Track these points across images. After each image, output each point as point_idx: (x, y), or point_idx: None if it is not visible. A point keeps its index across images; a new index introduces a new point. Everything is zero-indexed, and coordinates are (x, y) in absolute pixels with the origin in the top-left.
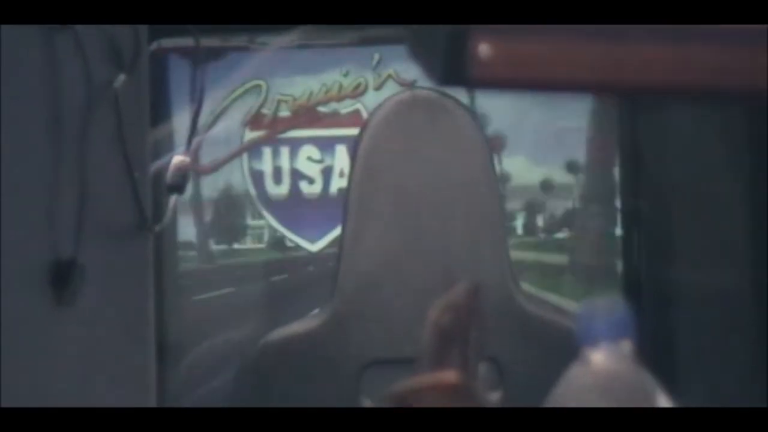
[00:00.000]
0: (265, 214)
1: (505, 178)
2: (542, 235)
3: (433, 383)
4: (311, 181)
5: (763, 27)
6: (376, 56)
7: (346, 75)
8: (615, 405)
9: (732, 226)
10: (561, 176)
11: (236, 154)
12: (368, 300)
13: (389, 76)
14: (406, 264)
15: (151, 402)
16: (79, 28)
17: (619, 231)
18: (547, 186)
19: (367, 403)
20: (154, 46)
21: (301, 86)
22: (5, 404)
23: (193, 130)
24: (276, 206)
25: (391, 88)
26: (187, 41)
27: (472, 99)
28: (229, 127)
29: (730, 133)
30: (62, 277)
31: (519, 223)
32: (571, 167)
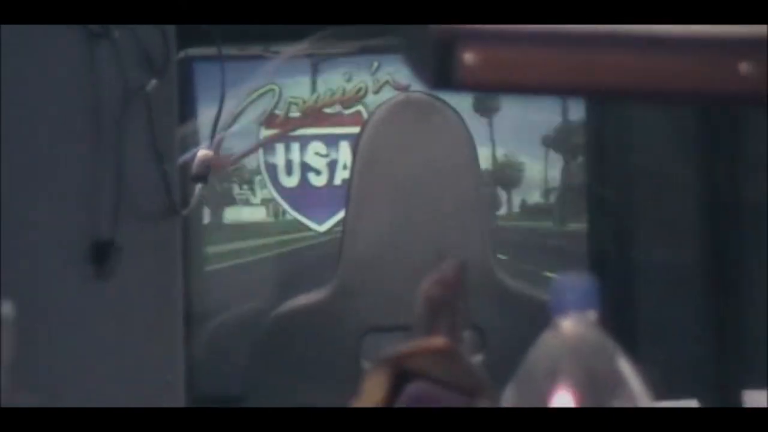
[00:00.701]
0: (279, 200)
1: (485, 167)
2: (520, 218)
3: (425, 347)
4: (318, 172)
5: (715, 35)
6: (375, 64)
7: (348, 80)
8: (581, 366)
9: (684, 211)
10: (537, 165)
11: (253, 150)
12: (367, 275)
13: (386, 82)
14: (401, 243)
15: (179, 365)
16: (117, 37)
17: (587, 215)
18: (523, 174)
19: (366, 365)
20: (182, 54)
21: (309, 90)
22: (50, 370)
23: (215, 127)
24: (288, 194)
25: (388, 92)
26: (210, 50)
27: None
28: (246, 125)
29: (683, 131)
30: (101, 255)
31: (500, 208)
32: (546, 158)
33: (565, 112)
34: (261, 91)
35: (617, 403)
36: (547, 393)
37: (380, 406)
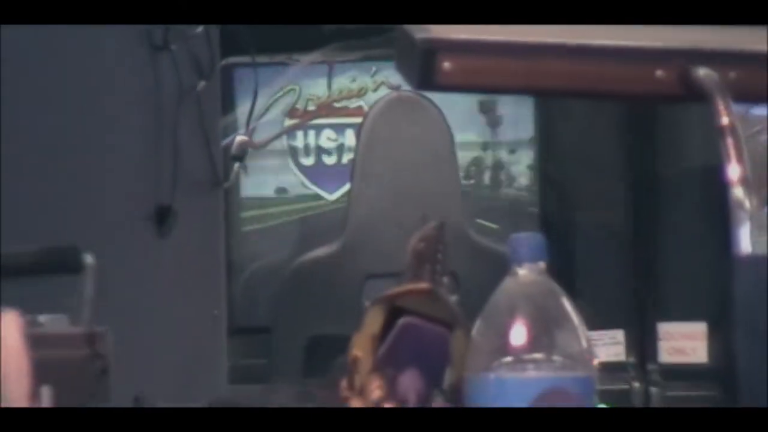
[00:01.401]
0: (299, 175)
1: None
2: (487, 192)
3: (412, 289)
4: (329, 153)
5: (636, 47)
6: (374, 69)
7: (353, 81)
8: (534, 305)
9: (612, 182)
10: (501, 153)
11: (279, 135)
12: (367, 234)
13: (382, 83)
14: (393, 209)
15: (223, 303)
16: (175, 49)
17: (537, 190)
18: (490, 158)
19: (366, 303)
20: (224, 62)
21: (322, 89)
22: (120, 307)
23: (250, 118)
24: (305, 170)
25: (383, 91)
26: (245, 59)
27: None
28: (273, 116)
29: (612, 121)
30: (162, 217)
31: (470, 183)
32: (508, 147)
33: (519, 110)
34: (285, 90)
35: (559, 334)
36: (507, 325)
37: (377, 334)
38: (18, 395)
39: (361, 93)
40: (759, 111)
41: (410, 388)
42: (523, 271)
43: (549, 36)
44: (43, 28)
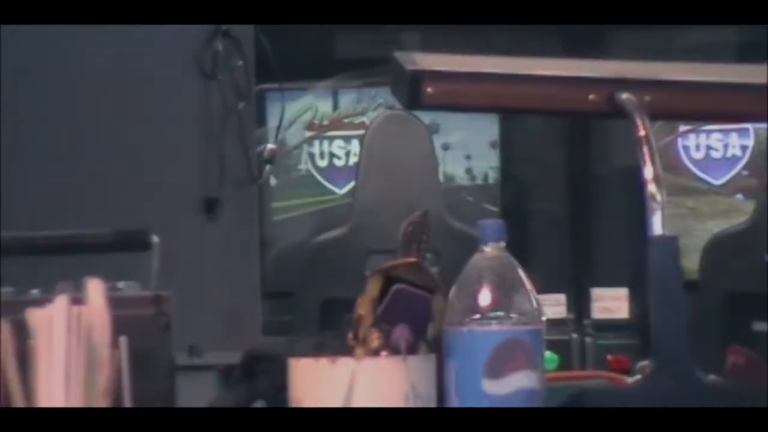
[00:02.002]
0: (315, 174)
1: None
2: (462, 188)
3: (403, 262)
4: (339, 157)
5: (575, 74)
6: (373, 92)
7: (357, 103)
8: (496, 275)
9: (557, 181)
10: (479, 161)
11: (300, 144)
12: (368, 219)
13: (380, 104)
14: (388, 200)
15: (257, 273)
16: (221, 78)
17: (500, 187)
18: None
19: (368, 273)
20: (258, 87)
21: (333, 108)
22: (177, 281)
23: (278, 131)
24: (320, 171)
25: (381, 110)
26: (275, 85)
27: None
28: (296, 129)
29: (558, 131)
30: (210, 207)
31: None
32: (480, 155)
33: (484, 125)
34: (304, 109)
35: (515, 296)
36: (475, 290)
37: (376, 298)
38: (102, 345)
39: (363, 111)
40: None
41: (401, 339)
42: (487, 249)
43: (509, 67)
44: (119, 63)
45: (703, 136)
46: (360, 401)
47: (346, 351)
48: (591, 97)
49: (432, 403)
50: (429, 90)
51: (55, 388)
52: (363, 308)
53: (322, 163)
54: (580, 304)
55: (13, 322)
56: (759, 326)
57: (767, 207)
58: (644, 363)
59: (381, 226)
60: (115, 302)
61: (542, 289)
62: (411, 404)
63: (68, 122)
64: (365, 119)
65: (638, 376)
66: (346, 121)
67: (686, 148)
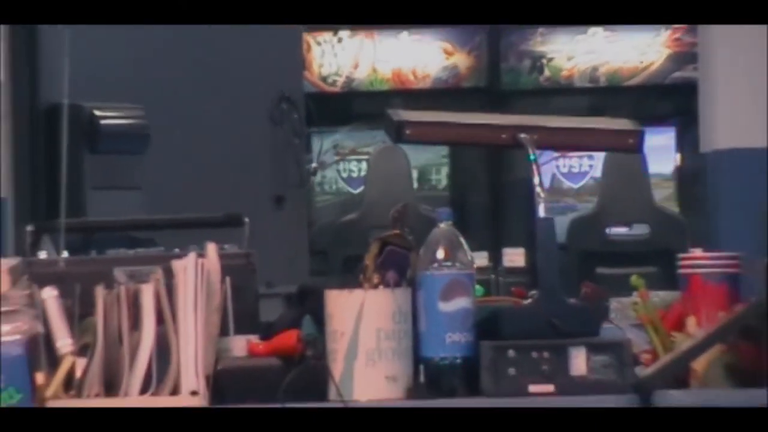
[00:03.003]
0: (340, 181)
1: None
2: (426, 189)
3: (393, 233)
4: (354, 172)
5: (496, 122)
6: (375, 133)
7: (366, 139)
8: (447, 240)
9: (482, 184)
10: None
11: (332, 163)
12: (371, 208)
13: (379, 141)
14: (383, 198)
15: (305, 244)
16: (285, 124)
17: (448, 187)
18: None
19: (371, 240)
20: (309, 130)
21: (352, 142)
22: (257, 245)
23: (318, 155)
24: (343, 179)
25: (379, 144)
26: (316, 129)
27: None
28: (329, 155)
29: (483, 157)
30: (278, 202)
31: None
32: (439, 170)
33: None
34: (334, 142)
35: (458, 253)
36: (434, 250)
37: (376, 254)
38: (215, 282)
39: (369, 145)
40: None
41: (391, 279)
42: (442, 225)
43: (456, 118)
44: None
45: (567, 158)
46: (367, 317)
47: (359, 285)
48: (503, 135)
49: (410, 319)
50: (407, 132)
51: (189, 309)
52: (368, 261)
53: (344, 174)
54: (496, 258)
55: (164, 269)
56: (601, 270)
57: (604, 201)
58: (533, 292)
59: (379, 213)
60: (223, 257)
61: (473, 248)
62: (396, 320)
63: (193, 148)
64: (370, 149)
65: (530, 300)
66: (358, 150)
67: (558, 166)
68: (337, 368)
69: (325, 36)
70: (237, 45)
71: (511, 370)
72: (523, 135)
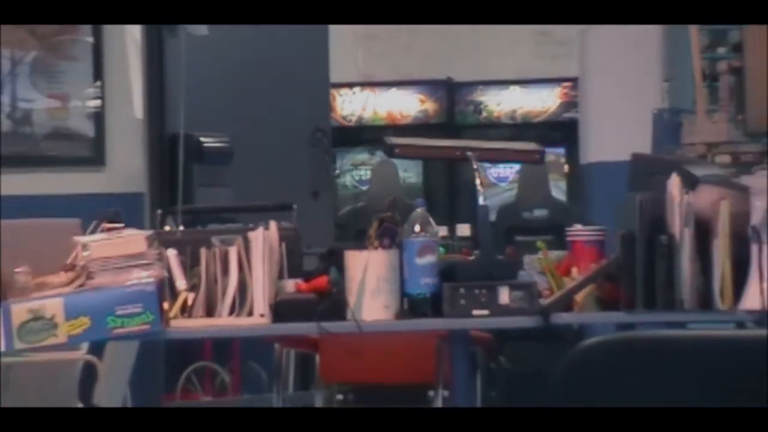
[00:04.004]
0: (354, 182)
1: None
2: (408, 186)
3: (387, 215)
4: (364, 176)
5: (453, 146)
6: (376, 151)
7: (370, 155)
8: (422, 222)
9: (443, 183)
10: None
11: (350, 170)
12: (374, 200)
13: (379, 156)
14: (381, 193)
15: (332, 222)
16: (320, 147)
17: (421, 184)
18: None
19: (374, 220)
20: (334, 150)
21: (361, 158)
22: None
23: (341, 165)
24: (356, 180)
25: (378, 158)
26: (338, 149)
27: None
28: (347, 165)
29: (445, 167)
30: (315, 194)
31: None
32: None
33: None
34: (351, 158)
35: (429, 228)
36: (413, 225)
37: (377, 228)
38: (275, 247)
39: (372, 159)
40: None
41: (386, 244)
42: (418, 209)
43: (428, 142)
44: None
45: (496, 167)
46: (371, 268)
47: (365, 248)
48: (457, 153)
49: (398, 269)
50: (396, 150)
51: (258, 262)
52: (371, 232)
53: (356, 178)
54: (452, 230)
55: (243, 237)
56: (518, 238)
57: (520, 194)
58: (476, 252)
59: (378, 202)
60: (280, 230)
61: (437, 224)
62: (389, 270)
63: (261, 161)
64: (373, 162)
65: (473, 257)
66: (366, 163)
67: (491, 172)
68: (351, 300)
69: (345, 90)
70: (289, 94)
71: (462, 301)
72: (468, 153)
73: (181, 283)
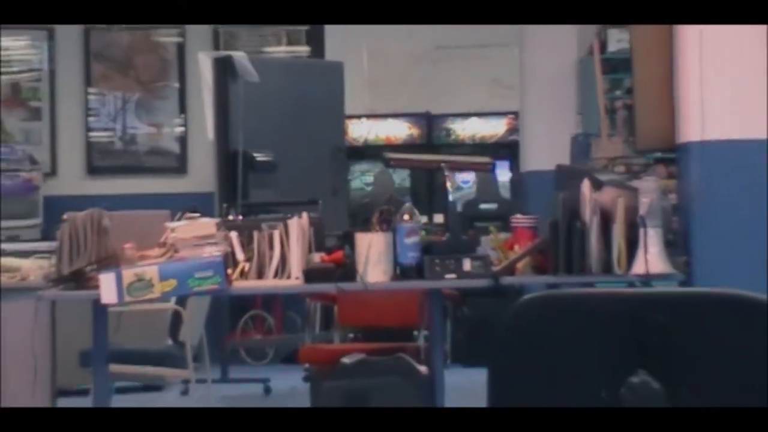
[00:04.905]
0: (362, 184)
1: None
2: (398, 187)
3: (385, 207)
4: (368, 180)
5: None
6: (377, 163)
7: (374, 166)
8: (410, 212)
9: (426, 186)
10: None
11: (358, 176)
12: (376, 197)
13: (380, 166)
14: (381, 193)
15: (345, 209)
16: (338, 160)
17: (409, 187)
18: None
19: (376, 211)
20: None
21: (367, 167)
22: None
23: (352, 173)
24: (364, 183)
25: (379, 168)
26: (352, 162)
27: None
28: (356, 173)
29: (427, 176)
30: (334, 190)
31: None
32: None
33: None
34: (359, 167)
35: (416, 216)
36: (403, 215)
37: (378, 217)
38: (306, 231)
39: (375, 168)
40: None
41: (384, 228)
42: (407, 204)
43: (414, 157)
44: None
45: (462, 174)
46: (374, 246)
47: (369, 231)
48: (434, 164)
49: (392, 247)
50: (391, 162)
51: (294, 241)
52: (374, 220)
53: (364, 181)
54: (430, 219)
55: (284, 223)
56: (477, 224)
57: (478, 192)
58: (447, 234)
59: (379, 199)
60: (309, 218)
61: (420, 214)
62: (387, 247)
63: (296, 169)
64: (375, 170)
65: (445, 237)
66: (370, 171)
67: (458, 177)
68: (360, 268)
69: (354, 120)
70: (316, 122)
71: (437, 268)
72: (442, 164)
73: (240, 255)
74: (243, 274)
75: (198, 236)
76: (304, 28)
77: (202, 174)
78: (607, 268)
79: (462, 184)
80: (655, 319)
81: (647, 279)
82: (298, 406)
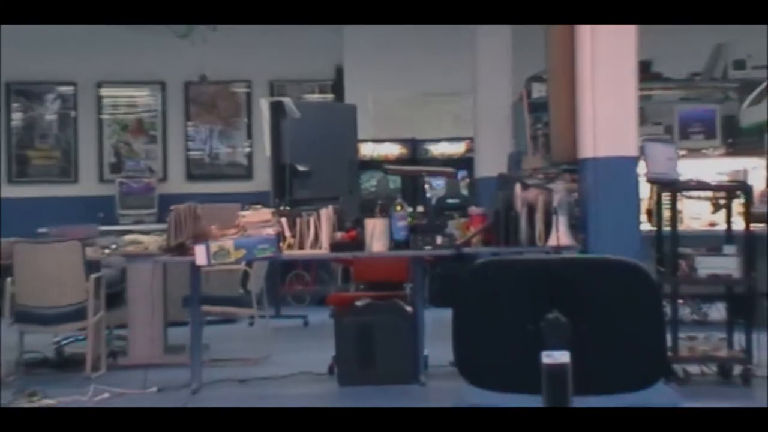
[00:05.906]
0: (368, 186)
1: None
2: (393, 189)
3: (383, 203)
4: (373, 183)
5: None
6: (379, 172)
7: (377, 174)
8: (401, 207)
9: (413, 187)
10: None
11: (366, 180)
12: (378, 194)
13: (381, 174)
14: (382, 191)
15: (356, 201)
16: (351, 168)
17: (400, 188)
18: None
19: (378, 205)
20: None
21: (372, 174)
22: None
23: (362, 178)
24: (370, 185)
25: (379, 176)
26: (360, 172)
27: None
28: (365, 177)
29: (416, 181)
30: (350, 190)
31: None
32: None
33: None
34: (368, 174)
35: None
36: (396, 207)
37: (379, 209)
38: (331, 218)
39: (378, 175)
40: None
41: (384, 215)
42: (398, 200)
43: (404, 168)
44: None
45: (435, 179)
46: (377, 229)
47: (374, 217)
48: (417, 173)
49: (388, 228)
50: (388, 172)
51: (324, 224)
52: (377, 210)
53: (369, 185)
54: (414, 209)
55: (317, 213)
56: (447, 212)
57: (447, 192)
58: (426, 219)
59: (380, 197)
60: (334, 209)
61: (408, 206)
62: (385, 228)
63: (325, 176)
64: (377, 177)
65: (424, 222)
66: (374, 177)
67: (432, 182)
68: (367, 241)
69: (363, 143)
70: (338, 144)
71: (419, 242)
72: (423, 173)
73: (287, 233)
74: (290, 246)
75: (260, 221)
76: (330, 81)
77: (262, 179)
78: (531, 241)
79: (435, 186)
80: (563, 275)
81: (558, 249)
82: (328, 337)
